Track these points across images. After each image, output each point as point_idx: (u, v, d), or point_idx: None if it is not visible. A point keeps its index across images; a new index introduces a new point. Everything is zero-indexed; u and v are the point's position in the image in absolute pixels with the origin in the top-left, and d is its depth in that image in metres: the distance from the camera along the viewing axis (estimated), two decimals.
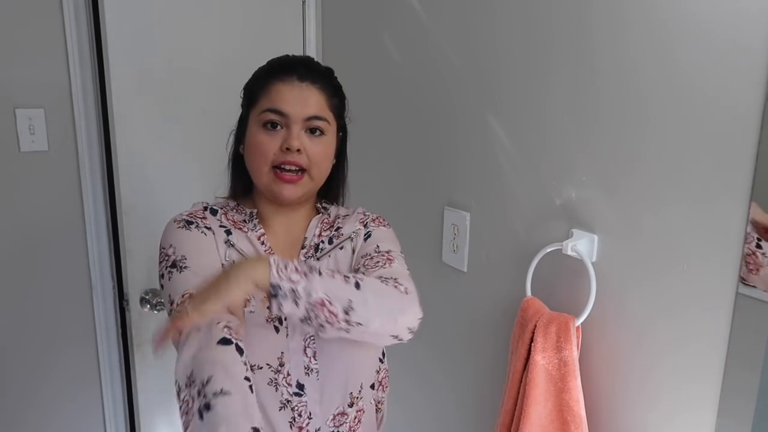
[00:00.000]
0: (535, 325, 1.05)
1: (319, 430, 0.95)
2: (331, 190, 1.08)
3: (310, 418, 0.93)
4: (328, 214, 1.05)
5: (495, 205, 1.24)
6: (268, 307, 0.89)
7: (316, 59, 1.77)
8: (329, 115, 0.97)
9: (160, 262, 0.93)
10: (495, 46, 1.20)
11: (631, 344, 0.99)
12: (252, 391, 0.77)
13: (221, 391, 0.71)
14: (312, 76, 0.95)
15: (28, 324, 1.65)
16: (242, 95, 1.01)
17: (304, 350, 0.93)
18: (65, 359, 1.72)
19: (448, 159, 1.36)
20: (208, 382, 0.72)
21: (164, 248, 0.93)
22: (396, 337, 0.88)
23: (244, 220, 1.00)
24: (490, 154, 1.24)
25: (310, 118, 0.93)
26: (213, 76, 1.66)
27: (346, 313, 0.81)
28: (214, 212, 1.00)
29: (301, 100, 0.93)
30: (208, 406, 0.70)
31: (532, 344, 1.04)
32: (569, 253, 1.02)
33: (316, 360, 0.93)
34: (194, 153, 1.67)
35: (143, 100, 1.57)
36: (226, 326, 0.79)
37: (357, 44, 1.65)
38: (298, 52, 1.79)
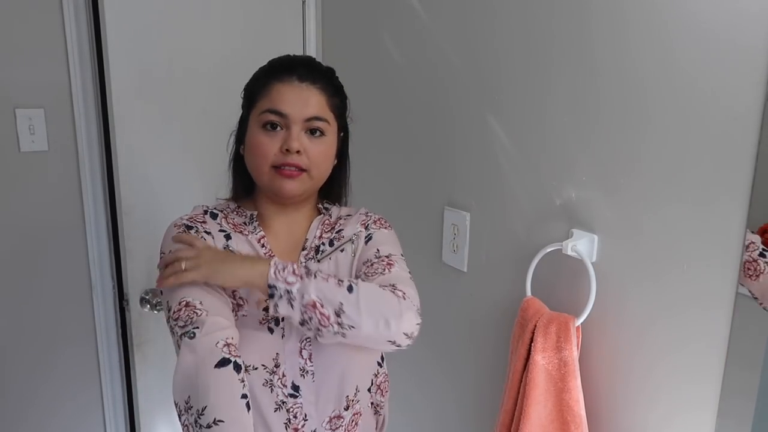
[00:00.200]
0: (535, 325, 1.05)
1: (315, 431, 0.95)
2: (333, 191, 1.08)
3: (305, 420, 0.93)
4: (330, 215, 1.05)
5: (495, 205, 1.24)
6: (265, 309, 0.90)
7: (315, 59, 1.79)
8: (330, 116, 0.96)
9: (159, 266, 0.93)
10: (495, 46, 1.20)
11: (631, 344, 0.99)
12: (249, 409, 0.79)
13: (215, 421, 0.74)
14: (312, 76, 0.95)
15: (28, 324, 1.65)
16: (242, 96, 1.01)
17: (300, 352, 0.93)
18: (65, 359, 1.72)
19: (448, 159, 1.36)
20: (203, 412, 0.75)
21: (164, 253, 0.93)
22: (393, 342, 0.87)
23: (245, 222, 1.00)
24: (490, 154, 1.24)
25: (310, 119, 0.93)
26: (213, 76, 1.66)
27: (338, 315, 0.82)
28: (214, 216, 0.99)
29: (301, 100, 0.93)
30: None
31: (532, 344, 1.04)
32: (569, 253, 1.02)
33: (311, 362, 0.93)
34: (194, 153, 1.67)
35: (143, 100, 1.57)
36: (225, 344, 0.80)
37: (357, 44, 1.65)
38: (298, 52, 1.79)
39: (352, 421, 0.98)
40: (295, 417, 0.92)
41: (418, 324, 0.89)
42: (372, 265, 0.96)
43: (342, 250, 1.00)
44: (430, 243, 1.43)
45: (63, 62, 1.57)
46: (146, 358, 1.69)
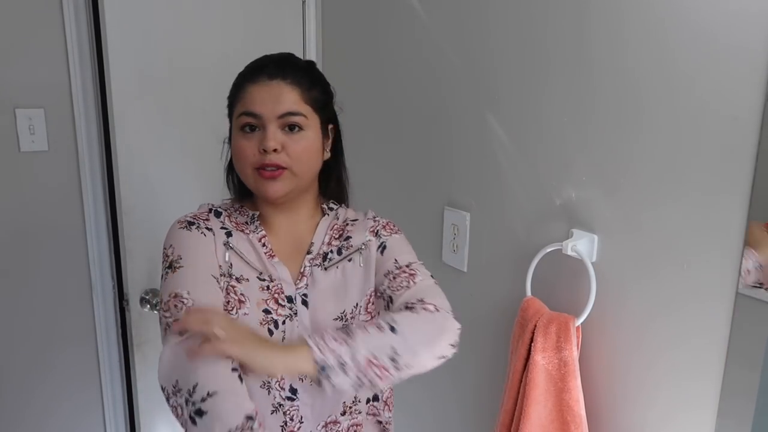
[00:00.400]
0: (535, 325, 1.05)
1: None
2: (332, 186, 1.06)
3: (301, 422, 0.93)
4: (337, 218, 1.04)
5: (495, 205, 1.24)
6: (266, 311, 0.90)
7: (315, 59, 1.79)
8: (306, 109, 0.94)
9: (162, 263, 0.94)
10: (495, 46, 1.20)
11: (631, 344, 0.99)
12: (241, 381, 0.78)
13: (208, 394, 0.73)
14: (282, 72, 0.93)
15: (28, 324, 1.65)
16: (227, 104, 1.00)
17: None
18: (65, 359, 1.72)
19: (448, 159, 1.36)
20: (194, 389, 0.74)
21: (165, 248, 0.94)
22: (442, 357, 0.88)
23: (247, 222, 0.99)
24: (489, 154, 1.24)
25: (283, 115, 0.91)
26: (213, 76, 1.65)
27: (393, 360, 0.81)
28: (218, 214, 1.00)
29: (271, 98, 0.91)
30: (199, 412, 0.72)
31: (532, 344, 1.04)
32: (569, 253, 1.02)
33: None
34: (194, 153, 1.67)
35: (143, 100, 1.57)
36: None
37: (357, 44, 1.65)
38: (298, 52, 1.79)
39: (350, 429, 0.98)
40: (292, 420, 0.92)
41: (458, 329, 0.90)
42: (395, 278, 0.96)
43: (350, 260, 0.99)
44: (430, 243, 1.43)
45: (63, 62, 1.57)
46: (146, 358, 1.69)
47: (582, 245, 1.02)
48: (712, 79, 0.84)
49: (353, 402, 0.97)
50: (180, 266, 0.90)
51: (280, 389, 0.91)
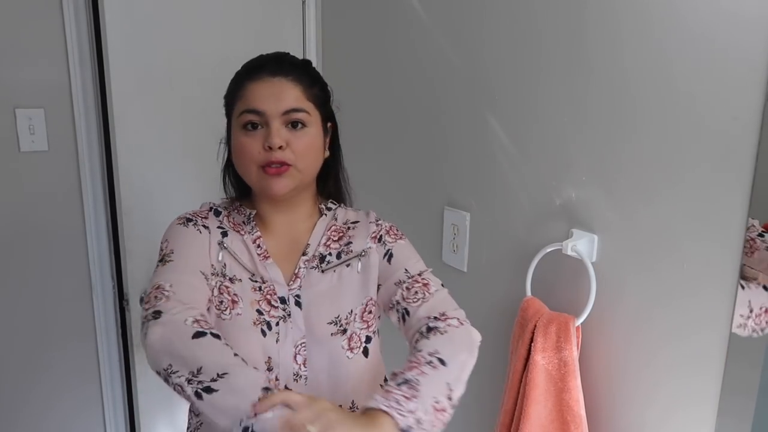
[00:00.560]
0: (535, 325, 1.05)
1: None
2: (330, 185, 1.05)
3: None
4: (335, 218, 1.03)
5: (495, 205, 1.25)
6: (258, 311, 0.89)
7: (315, 59, 1.79)
8: (309, 106, 0.94)
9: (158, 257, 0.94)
10: (495, 46, 1.20)
11: (631, 344, 0.99)
12: (247, 363, 0.77)
13: (218, 375, 0.72)
14: (283, 69, 0.93)
15: (28, 323, 1.65)
16: (224, 104, 1.00)
17: (295, 357, 0.92)
18: (65, 359, 1.72)
19: (448, 159, 1.36)
20: (199, 372, 0.73)
21: (161, 243, 0.95)
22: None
23: (243, 222, 0.99)
24: (489, 154, 1.24)
25: (287, 112, 0.91)
26: (213, 76, 1.65)
27: (450, 399, 0.81)
28: (217, 213, 1.00)
29: (275, 95, 0.91)
30: (208, 389, 0.71)
31: (532, 344, 1.04)
32: (569, 253, 1.02)
33: (305, 368, 0.93)
34: (194, 153, 1.67)
35: (143, 100, 1.57)
36: (195, 321, 0.79)
37: (357, 44, 1.66)
38: (298, 52, 1.79)
39: None
40: None
41: (480, 340, 0.92)
42: (408, 289, 0.95)
43: (348, 265, 0.98)
44: (430, 243, 1.43)
45: (63, 62, 1.57)
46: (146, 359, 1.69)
47: (582, 245, 1.02)
48: (712, 78, 0.84)
49: (351, 409, 0.96)
50: (170, 260, 0.90)
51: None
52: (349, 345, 0.95)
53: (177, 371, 0.75)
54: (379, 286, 0.99)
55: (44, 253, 1.64)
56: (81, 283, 1.71)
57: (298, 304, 0.94)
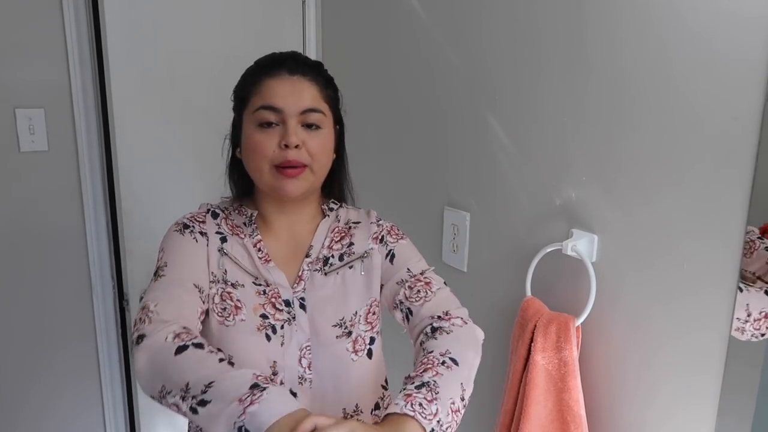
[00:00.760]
0: (535, 325, 1.05)
1: None
2: (334, 187, 1.05)
3: None
4: (337, 219, 1.02)
5: (495, 205, 1.25)
6: (263, 316, 0.89)
7: (315, 59, 1.78)
8: (324, 107, 0.94)
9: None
10: (494, 45, 1.20)
11: (631, 343, 0.99)
12: (233, 365, 0.76)
13: (206, 386, 0.71)
14: (302, 68, 0.92)
15: (27, 323, 1.65)
16: (233, 99, 0.98)
17: (300, 360, 0.92)
18: (65, 359, 1.72)
19: (448, 159, 1.36)
20: (188, 388, 0.72)
21: (159, 251, 0.94)
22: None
23: (244, 223, 0.98)
24: (489, 154, 1.24)
25: (305, 111, 0.90)
26: (213, 76, 1.66)
27: (462, 399, 0.81)
28: (215, 215, 0.98)
29: (294, 93, 0.90)
30: (202, 402, 0.71)
31: (532, 344, 1.04)
32: (569, 253, 1.02)
33: (310, 371, 0.92)
34: (194, 153, 1.67)
35: (143, 100, 1.57)
36: (175, 336, 0.78)
37: (357, 44, 1.66)
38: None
39: None
40: None
41: (483, 337, 0.92)
42: (411, 288, 0.95)
43: (351, 267, 0.98)
44: (430, 243, 1.43)
45: (63, 62, 1.58)
46: None
47: (582, 245, 1.02)
48: (712, 78, 0.84)
49: (355, 411, 0.96)
50: (162, 275, 0.89)
51: None
52: (354, 348, 0.94)
53: (170, 391, 0.74)
54: (382, 286, 0.99)
55: (44, 253, 1.64)
56: (81, 283, 1.71)
57: (302, 306, 0.94)
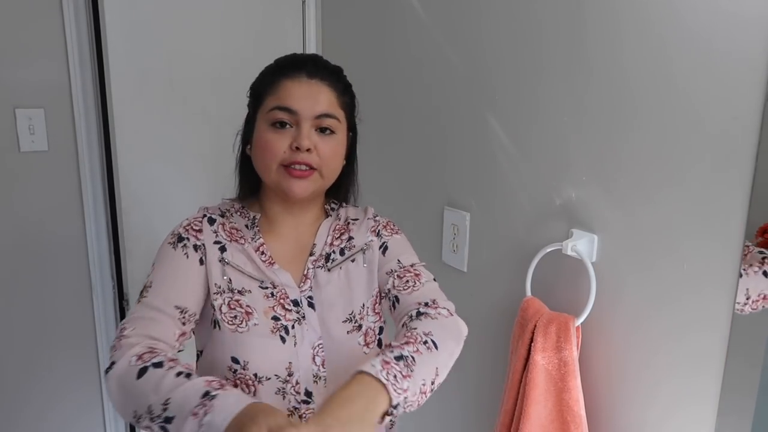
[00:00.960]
0: (535, 325, 1.05)
1: None
2: (341, 192, 1.05)
3: None
4: (338, 218, 1.03)
5: (495, 205, 1.25)
6: (274, 318, 0.90)
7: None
8: (340, 114, 0.94)
9: None
10: (495, 46, 1.20)
11: (631, 343, 0.99)
12: (189, 377, 0.75)
13: (164, 404, 0.72)
14: (321, 73, 0.93)
15: (27, 323, 1.65)
16: (249, 95, 0.98)
17: (313, 358, 0.92)
18: (65, 359, 1.72)
19: (448, 159, 1.36)
20: (150, 409, 0.73)
21: (152, 265, 0.93)
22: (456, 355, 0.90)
23: (246, 226, 0.97)
24: (489, 154, 1.24)
25: (320, 116, 0.90)
26: (213, 77, 1.66)
27: (433, 383, 0.82)
28: (212, 221, 0.97)
29: (311, 97, 0.90)
30: (167, 420, 0.71)
31: (532, 344, 1.04)
32: (569, 253, 1.02)
33: (324, 368, 0.92)
34: (194, 153, 1.67)
35: (143, 100, 1.57)
36: (138, 358, 0.78)
37: (357, 44, 1.66)
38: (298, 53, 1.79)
39: None
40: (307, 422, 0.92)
41: (466, 326, 0.93)
42: (400, 277, 0.96)
43: (353, 260, 0.99)
44: (430, 243, 1.43)
45: (63, 62, 1.58)
46: None
47: (582, 245, 1.02)
48: (712, 78, 0.84)
49: None
50: (144, 296, 0.89)
51: (295, 393, 0.90)
52: (366, 340, 0.95)
53: (141, 415, 0.74)
54: None
55: (44, 253, 1.64)
56: (81, 283, 1.71)
57: (311, 305, 0.94)
